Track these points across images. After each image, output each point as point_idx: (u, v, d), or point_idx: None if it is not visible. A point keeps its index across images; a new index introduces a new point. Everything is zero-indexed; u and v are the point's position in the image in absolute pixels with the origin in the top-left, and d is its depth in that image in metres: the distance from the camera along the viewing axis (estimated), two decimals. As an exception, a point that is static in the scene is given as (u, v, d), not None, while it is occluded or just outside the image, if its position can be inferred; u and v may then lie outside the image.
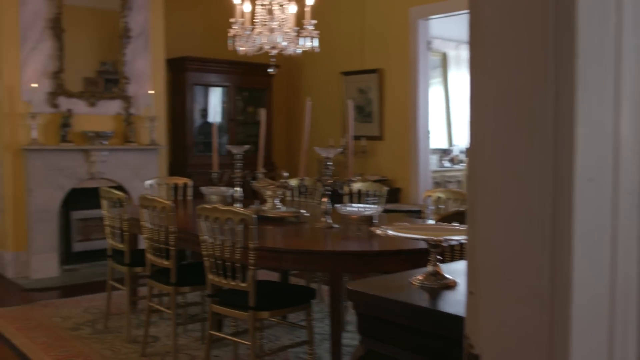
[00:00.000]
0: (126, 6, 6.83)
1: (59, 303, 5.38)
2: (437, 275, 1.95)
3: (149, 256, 4.01)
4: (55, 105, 6.44)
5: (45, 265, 6.33)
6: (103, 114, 6.76)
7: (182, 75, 7.74)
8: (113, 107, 6.83)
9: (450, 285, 1.92)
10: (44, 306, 5.28)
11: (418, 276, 1.96)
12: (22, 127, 6.26)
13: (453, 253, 2.83)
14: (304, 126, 3.96)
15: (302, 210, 4.25)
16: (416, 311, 1.73)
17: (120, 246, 4.48)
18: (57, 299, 5.58)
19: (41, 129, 6.33)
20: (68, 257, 6.61)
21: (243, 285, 3.25)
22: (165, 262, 3.85)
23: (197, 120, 7.92)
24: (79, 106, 6.59)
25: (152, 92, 7.00)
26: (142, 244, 4.34)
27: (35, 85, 6.26)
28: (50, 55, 6.41)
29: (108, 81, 6.87)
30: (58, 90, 6.45)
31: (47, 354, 4.13)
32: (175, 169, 7.54)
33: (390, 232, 2.13)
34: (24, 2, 6.26)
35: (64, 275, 6.39)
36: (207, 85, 8.04)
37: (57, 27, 6.41)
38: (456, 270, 2.05)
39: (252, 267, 3.20)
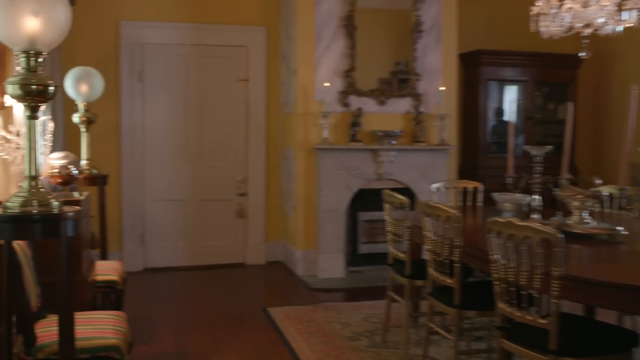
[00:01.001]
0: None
1: (340, 307, 5.23)
2: None
3: (431, 270, 3.55)
4: (346, 104, 6.37)
5: (332, 266, 6.29)
6: (392, 113, 6.52)
7: (475, 70, 7.19)
8: (402, 105, 6.55)
9: None
10: (326, 309, 5.17)
11: None
12: (314, 126, 6.29)
13: None
14: (626, 122, 3.14)
15: (618, 227, 3.42)
16: None
17: (401, 255, 4.11)
18: (340, 302, 5.46)
19: (332, 128, 6.30)
20: (354, 258, 6.50)
21: (542, 321, 2.60)
22: (449, 280, 3.35)
23: (490, 118, 7.29)
24: (368, 105, 6.43)
25: (443, 88, 6.57)
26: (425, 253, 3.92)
27: (328, 84, 6.24)
28: (342, 54, 6.36)
29: (402, 81, 6.62)
30: (349, 89, 6.37)
31: (322, 365, 3.93)
32: (465, 171, 7.02)
33: None
34: (319, 2, 6.29)
35: (349, 277, 6.29)
36: (502, 81, 7.37)
37: (349, 25, 6.32)
38: None
39: (555, 300, 2.54)
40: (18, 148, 3.41)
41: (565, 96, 7.29)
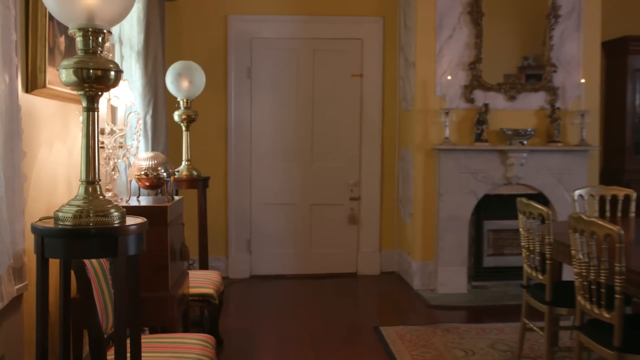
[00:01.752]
0: (556, -20, 5.72)
1: (463, 330, 4.58)
2: None
3: (580, 299, 2.87)
4: (470, 100, 5.70)
5: (453, 280, 5.64)
6: (523, 109, 5.77)
7: (620, 60, 6.27)
8: (535, 100, 5.78)
9: None
10: (446, 331, 4.54)
11: None
12: (434, 124, 5.68)
13: None
14: None
15: None
16: None
17: (539, 277, 3.43)
18: (462, 323, 4.80)
19: (454, 126, 5.66)
20: (477, 272, 5.80)
21: None
22: (605, 315, 2.66)
23: (638, 115, 6.35)
24: (496, 100, 5.73)
25: (583, 81, 5.74)
26: (569, 274, 3.24)
27: (450, 77, 5.60)
28: (466, 44, 5.69)
29: (529, 77, 5.85)
30: (474, 83, 5.69)
31: (443, 406, 3.33)
32: (607, 175, 6.14)
33: None
34: (442, -13, 5.68)
35: (472, 293, 5.62)
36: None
37: (475, 12, 5.65)
38: None
39: None
40: (102, 147, 3.08)
41: None
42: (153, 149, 5.01)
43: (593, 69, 5.83)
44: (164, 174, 3.18)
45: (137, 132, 3.24)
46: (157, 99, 4.96)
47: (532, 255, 3.53)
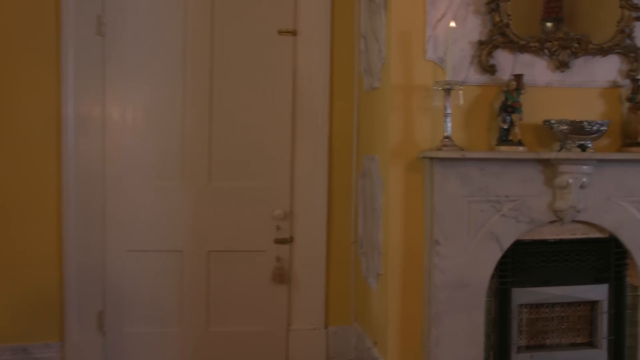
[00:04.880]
0: None
1: None
2: None
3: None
4: (489, 69, 3.18)
5: (458, 399, 3.10)
6: (581, 86, 3.29)
7: None
8: (603, 70, 3.30)
9: None
10: None
11: None
12: (423, 113, 3.15)
13: None
14: None
15: None
16: None
17: None
18: None
19: (460, 115, 3.16)
20: (501, 380, 3.26)
21: None
22: None
23: None
24: (535, 70, 3.24)
25: (684, 38, 3.29)
26: None
27: (453, 24, 3.05)
28: (479, -29, 3.19)
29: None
30: (496, 38, 3.17)
31: None
32: None
33: None
34: None
35: None
36: None
37: None
38: None
39: None
40: None
41: None
42: None
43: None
44: None
45: None
46: None
47: None
